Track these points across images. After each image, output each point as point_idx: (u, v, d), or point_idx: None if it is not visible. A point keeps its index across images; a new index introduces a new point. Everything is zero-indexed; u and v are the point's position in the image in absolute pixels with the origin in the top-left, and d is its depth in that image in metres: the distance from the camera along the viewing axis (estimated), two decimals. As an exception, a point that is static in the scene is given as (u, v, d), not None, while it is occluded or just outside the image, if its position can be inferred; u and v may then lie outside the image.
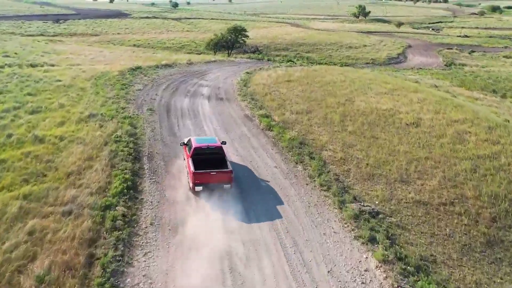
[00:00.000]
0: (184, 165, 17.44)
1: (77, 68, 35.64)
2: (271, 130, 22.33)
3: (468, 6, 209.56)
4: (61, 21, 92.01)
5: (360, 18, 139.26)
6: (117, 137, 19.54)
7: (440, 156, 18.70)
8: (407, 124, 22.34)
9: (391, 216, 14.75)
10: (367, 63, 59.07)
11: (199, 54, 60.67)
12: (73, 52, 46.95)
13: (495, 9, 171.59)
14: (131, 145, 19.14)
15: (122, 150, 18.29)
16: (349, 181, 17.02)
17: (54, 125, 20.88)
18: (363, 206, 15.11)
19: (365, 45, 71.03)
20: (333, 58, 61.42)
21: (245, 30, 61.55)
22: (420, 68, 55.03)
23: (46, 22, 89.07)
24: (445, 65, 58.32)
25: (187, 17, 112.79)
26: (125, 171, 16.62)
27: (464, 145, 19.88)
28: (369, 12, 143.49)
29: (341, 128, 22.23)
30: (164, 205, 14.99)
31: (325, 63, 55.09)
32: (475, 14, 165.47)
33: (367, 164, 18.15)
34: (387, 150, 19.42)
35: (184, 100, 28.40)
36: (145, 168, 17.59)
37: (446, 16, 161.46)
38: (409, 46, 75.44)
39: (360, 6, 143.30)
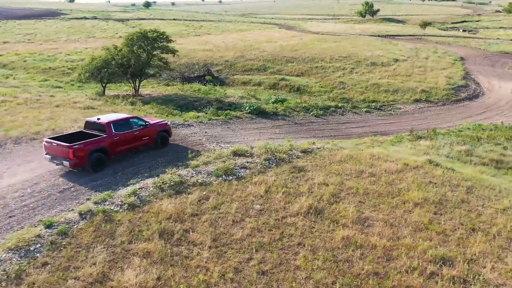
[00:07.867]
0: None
1: None
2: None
3: (480, 4, 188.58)
4: None
5: (366, 17, 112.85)
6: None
7: None
8: None
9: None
10: (416, 101, 30.20)
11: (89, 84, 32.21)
12: None
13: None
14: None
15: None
16: None
17: None
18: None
19: (397, 59, 42.48)
20: (348, 91, 32.19)
21: (167, 40, 29.28)
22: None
23: None
24: None
25: (142, 17, 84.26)
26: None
27: None
28: (378, 10, 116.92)
29: None
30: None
31: (340, 109, 26.62)
32: (499, 11, 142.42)
33: None
34: None
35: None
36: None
37: (469, 15, 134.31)
38: (461, 59, 47.38)
39: (367, 3, 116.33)
